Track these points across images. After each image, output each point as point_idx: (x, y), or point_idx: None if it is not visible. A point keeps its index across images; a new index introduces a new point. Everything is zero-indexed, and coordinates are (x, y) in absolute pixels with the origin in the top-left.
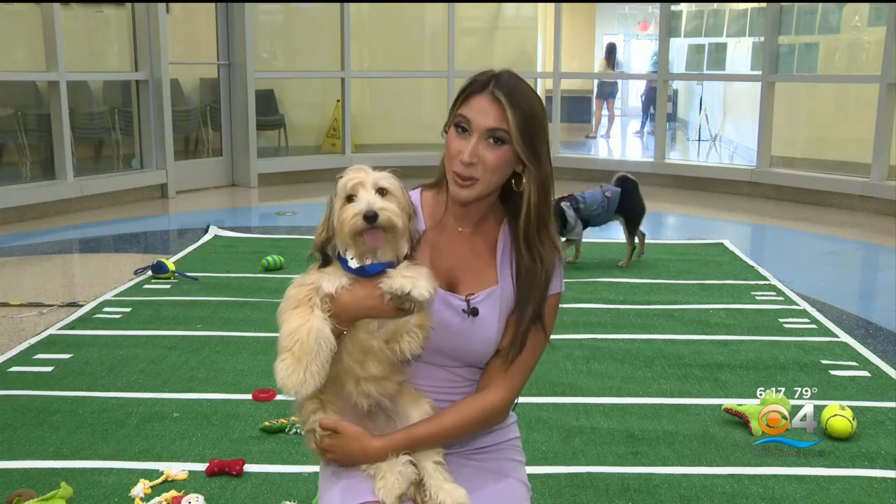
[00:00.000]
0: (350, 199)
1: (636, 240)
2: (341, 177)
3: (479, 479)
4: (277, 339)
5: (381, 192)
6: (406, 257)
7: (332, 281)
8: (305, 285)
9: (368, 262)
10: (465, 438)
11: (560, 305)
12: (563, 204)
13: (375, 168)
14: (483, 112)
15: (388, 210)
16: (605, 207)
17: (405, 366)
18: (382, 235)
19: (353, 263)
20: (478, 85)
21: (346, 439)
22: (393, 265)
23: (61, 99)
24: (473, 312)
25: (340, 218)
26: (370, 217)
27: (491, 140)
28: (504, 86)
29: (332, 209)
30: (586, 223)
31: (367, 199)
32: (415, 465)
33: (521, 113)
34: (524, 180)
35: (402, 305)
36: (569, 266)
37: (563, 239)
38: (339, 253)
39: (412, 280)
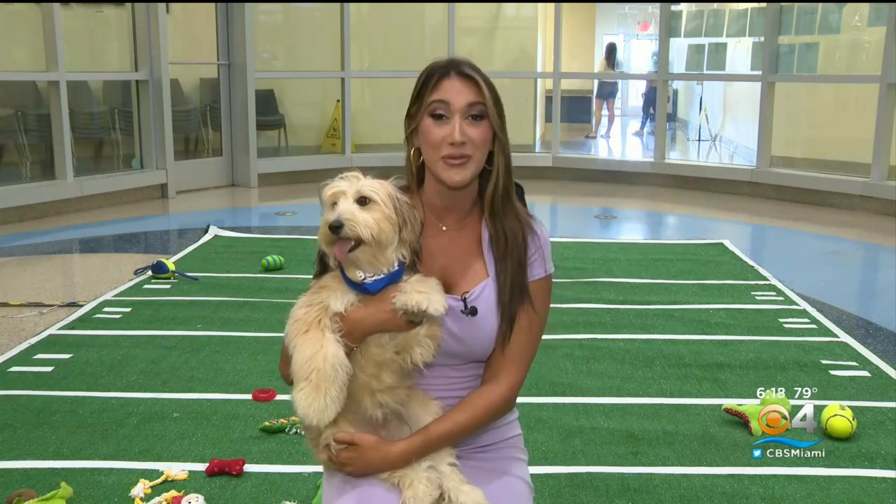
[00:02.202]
0: (334, 207)
1: None
2: (326, 185)
3: (482, 477)
4: (291, 367)
5: (364, 201)
6: (413, 267)
7: (339, 299)
8: (314, 305)
9: (366, 276)
10: (478, 432)
11: (561, 305)
12: None
13: (370, 175)
14: (459, 92)
15: (358, 221)
16: None
17: (415, 371)
18: (355, 247)
19: (352, 277)
20: (442, 70)
21: (365, 449)
22: (398, 277)
23: (61, 99)
24: (472, 312)
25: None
26: (335, 227)
27: (470, 118)
28: (467, 64)
29: None
30: None
31: (341, 208)
32: (435, 468)
33: (489, 86)
34: (495, 156)
35: (415, 319)
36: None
37: None
38: (340, 266)
39: (427, 296)
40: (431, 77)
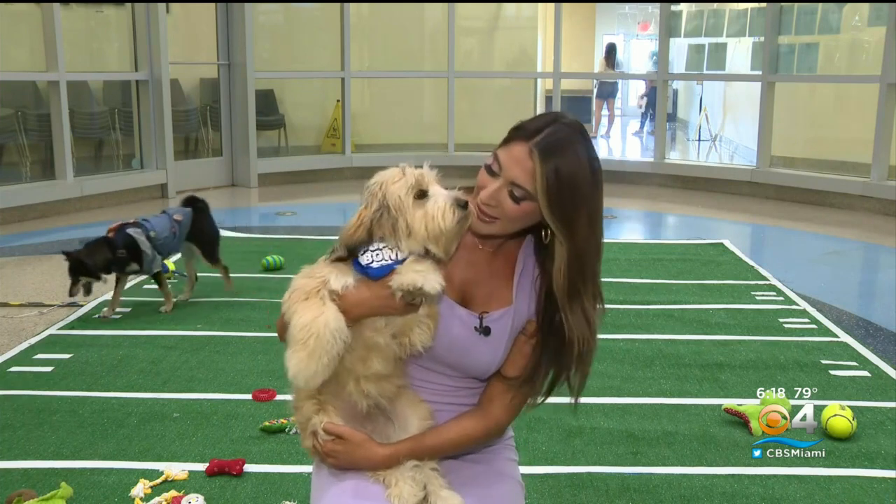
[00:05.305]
0: (422, 195)
1: (222, 272)
2: (403, 166)
3: (474, 478)
4: (288, 330)
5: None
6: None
7: (339, 278)
8: (315, 277)
9: (372, 260)
10: (466, 450)
11: None
12: (132, 232)
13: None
14: (516, 163)
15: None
16: (177, 233)
17: (407, 366)
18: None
19: (364, 260)
20: (526, 132)
21: (351, 445)
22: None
23: (61, 99)
24: (485, 332)
25: (424, 216)
26: (464, 204)
27: (512, 193)
28: (549, 143)
29: (383, 209)
30: (158, 253)
31: (445, 191)
32: (420, 468)
33: (556, 178)
34: (553, 240)
35: (413, 301)
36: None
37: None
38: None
39: (423, 274)
40: (517, 131)
